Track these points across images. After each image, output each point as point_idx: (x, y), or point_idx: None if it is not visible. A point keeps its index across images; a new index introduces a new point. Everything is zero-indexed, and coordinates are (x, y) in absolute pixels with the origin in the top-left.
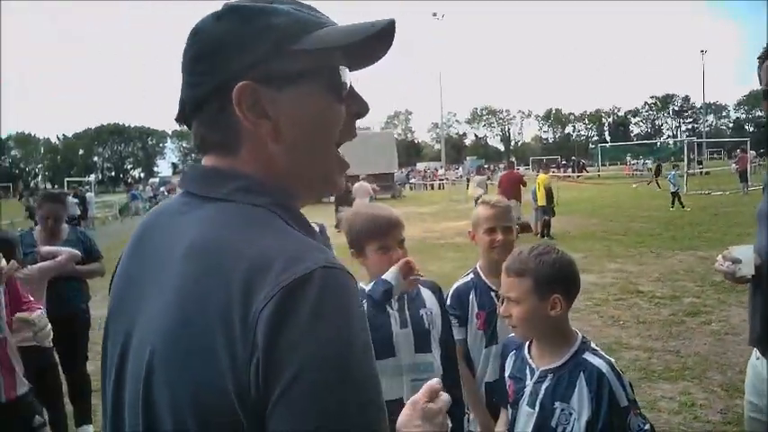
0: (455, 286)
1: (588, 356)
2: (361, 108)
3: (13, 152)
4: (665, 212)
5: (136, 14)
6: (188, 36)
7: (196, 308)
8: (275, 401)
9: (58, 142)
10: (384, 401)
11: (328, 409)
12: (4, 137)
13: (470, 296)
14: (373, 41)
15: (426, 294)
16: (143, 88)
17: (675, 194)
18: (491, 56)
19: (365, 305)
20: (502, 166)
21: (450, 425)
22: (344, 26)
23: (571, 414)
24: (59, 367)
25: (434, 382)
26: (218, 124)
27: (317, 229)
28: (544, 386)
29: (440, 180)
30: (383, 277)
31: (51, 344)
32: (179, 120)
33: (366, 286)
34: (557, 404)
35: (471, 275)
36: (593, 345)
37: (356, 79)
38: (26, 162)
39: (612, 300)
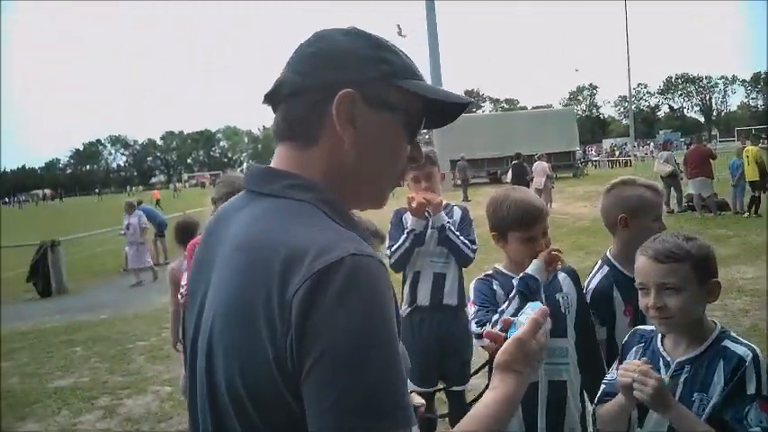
0: (594, 284)
1: (729, 344)
2: (417, 156)
3: (222, 143)
4: None
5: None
6: (311, 36)
7: (244, 291)
8: (306, 374)
9: (259, 133)
10: (403, 383)
11: (347, 387)
12: (213, 130)
13: (614, 291)
14: (448, 110)
15: (563, 279)
16: None
17: None
18: (684, 16)
19: (516, 299)
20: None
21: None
22: (436, 87)
23: (710, 402)
24: None
25: (539, 314)
26: (311, 115)
27: (459, 212)
28: (682, 379)
29: (626, 157)
30: (529, 272)
31: None
32: (269, 96)
33: (507, 271)
34: (695, 395)
35: (607, 268)
36: (733, 333)
37: (544, 55)
38: (233, 151)
39: None
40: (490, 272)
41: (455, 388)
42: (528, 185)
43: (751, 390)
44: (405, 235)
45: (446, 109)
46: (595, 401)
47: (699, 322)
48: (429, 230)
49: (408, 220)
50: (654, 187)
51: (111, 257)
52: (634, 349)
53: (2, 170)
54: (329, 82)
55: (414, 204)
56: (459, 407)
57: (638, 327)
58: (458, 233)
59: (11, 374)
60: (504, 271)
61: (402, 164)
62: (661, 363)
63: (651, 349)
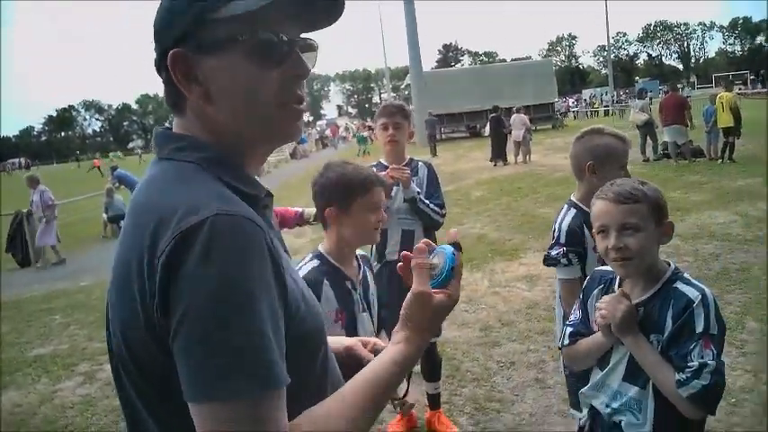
0: (567, 222)
1: (680, 285)
2: (300, 72)
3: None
4: None
5: None
6: None
7: (126, 256)
8: (172, 337)
9: None
10: (269, 342)
11: (210, 347)
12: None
13: (584, 230)
14: (305, 3)
15: None
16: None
17: None
18: None
19: None
20: (679, 86)
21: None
22: None
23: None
24: None
25: (424, 244)
26: (169, 89)
27: (425, 169)
28: (637, 321)
29: (605, 107)
30: None
31: None
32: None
33: None
34: (652, 337)
35: (574, 210)
36: (686, 275)
37: (522, 7)
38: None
39: None
40: None
41: None
42: (506, 138)
43: (699, 329)
44: None
45: (291, 5)
46: (561, 342)
47: (654, 264)
48: (394, 188)
49: None
50: (621, 137)
51: (90, 224)
52: (595, 291)
53: None
54: (162, 49)
55: None
56: (432, 358)
57: (597, 268)
58: (427, 201)
59: None
60: None
61: (278, 88)
62: None
63: (611, 292)
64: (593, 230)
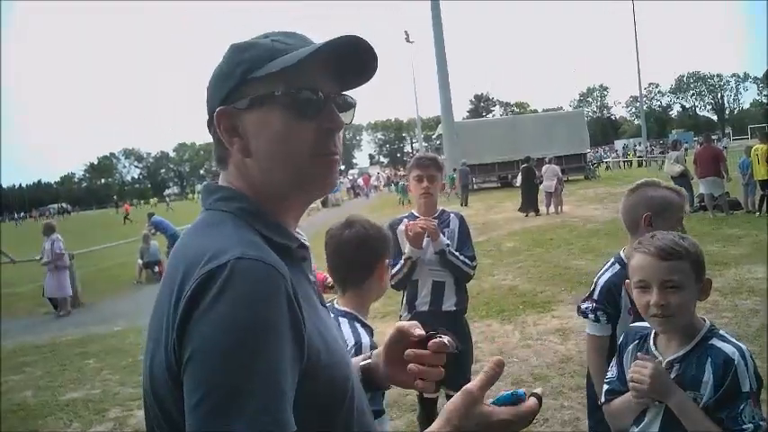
0: (605, 279)
1: (716, 342)
2: (332, 125)
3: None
4: None
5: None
6: None
7: (159, 302)
8: (182, 374)
9: None
10: (275, 388)
11: (211, 386)
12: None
13: (622, 290)
14: (337, 61)
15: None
16: None
17: None
18: (694, 14)
19: None
20: (714, 138)
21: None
22: (297, 51)
23: (702, 399)
24: None
25: (497, 362)
26: (216, 144)
27: (456, 221)
28: (672, 377)
29: (638, 158)
30: None
31: None
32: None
33: None
34: (688, 393)
35: (618, 266)
36: (722, 331)
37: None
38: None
39: None
40: None
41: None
42: (537, 188)
43: (745, 388)
44: (402, 261)
45: (342, 58)
46: (602, 400)
47: (691, 321)
48: (425, 239)
49: (405, 245)
50: (677, 190)
51: (126, 269)
52: (630, 347)
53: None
54: (210, 109)
55: (411, 233)
56: None
57: (634, 324)
58: (457, 254)
59: (24, 388)
60: None
61: (313, 140)
62: None
63: (646, 349)
64: (631, 282)
